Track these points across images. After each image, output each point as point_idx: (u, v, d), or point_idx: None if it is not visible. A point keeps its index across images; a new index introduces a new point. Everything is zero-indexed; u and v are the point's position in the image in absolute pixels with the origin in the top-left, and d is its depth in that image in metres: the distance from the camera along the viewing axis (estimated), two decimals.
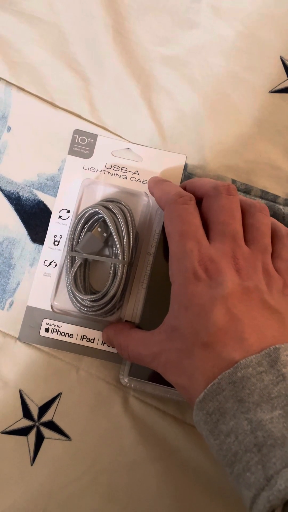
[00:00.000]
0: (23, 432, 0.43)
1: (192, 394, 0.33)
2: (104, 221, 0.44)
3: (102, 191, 0.46)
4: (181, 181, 0.46)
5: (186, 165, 0.47)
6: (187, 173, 0.46)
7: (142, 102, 0.48)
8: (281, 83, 0.48)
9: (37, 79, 0.48)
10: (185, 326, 0.35)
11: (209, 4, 0.49)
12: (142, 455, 0.43)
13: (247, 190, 0.46)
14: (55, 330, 0.45)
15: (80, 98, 0.48)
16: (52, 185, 0.47)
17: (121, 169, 0.47)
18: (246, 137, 0.47)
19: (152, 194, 0.43)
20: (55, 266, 0.46)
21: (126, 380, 0.43)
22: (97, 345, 0.45)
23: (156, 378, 0.42)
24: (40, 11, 0.49)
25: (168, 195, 0.39)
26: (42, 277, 0.46)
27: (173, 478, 0.42)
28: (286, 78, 0.48)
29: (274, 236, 0.39)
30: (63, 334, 0.45)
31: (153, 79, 0.48)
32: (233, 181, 0.46)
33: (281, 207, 0.45)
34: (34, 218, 0.47)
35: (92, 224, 0.45)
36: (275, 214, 0.45)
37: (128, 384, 0.43)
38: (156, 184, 0.43)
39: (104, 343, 0.45)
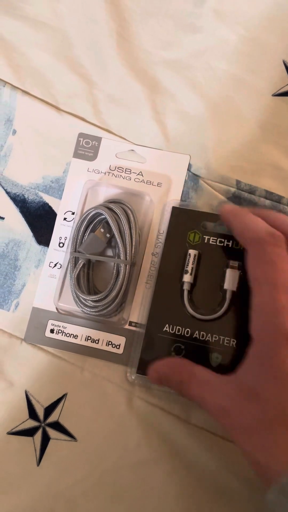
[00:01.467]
0: (29, 432, 0.44)
1: (269, 471, 0.30)
2: (107, 222, 0.44)
3: (105, 192, 0.46)
4: (185, 182, 0.46)
5: (190, 165, 0.47)
6: (191, 174, 0.47)
7: (145, 105, 0.48)
8: (283, 87, 0.48)
9: (42, 83, 0.49)
10: (269, 397, 0.31)
11: (211, 9, 0.49)
12: (147, 455, 0.43)
13: (251, 190, 0.46)
14: (60, 331, 0.45)
15: (84, 101, 0.49)
16: (57, 188, 0.48)
17: (125, 171, 0.47)
18: (249, 139, 0.48)
19: (228, 224, 0.39)
20: (60, 267, 0.46)
21: (133, 377, 0.43)
22: (102, 346, 0.45)
23: None
24: (44, 15, 0.50)
25: (256, 233, 0.36)
26: (48, 278, 0.46)
27: (178, 478, 0.42)
28: None
29: None
30: (68, 335, 0.45)
31: (156, 82, 0.49)
32: (238, 182, 0.46)
33: (285, 208, 0.46)
34: (40, 220, 0.47)
35: (95, 225, 0.45)
36: None
37: (135, 381, 0.43)
38: (237, 216, 0.38)
39: (109, 344, 0.45)
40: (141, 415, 0.43)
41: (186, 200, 0.47)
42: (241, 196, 0.46)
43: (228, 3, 0.49)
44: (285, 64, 0.48)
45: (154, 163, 0.47)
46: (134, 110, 0.48)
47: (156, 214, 0.46)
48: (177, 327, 0.43)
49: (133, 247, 0.44)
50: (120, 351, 0.45)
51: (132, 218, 0.44)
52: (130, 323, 0.45)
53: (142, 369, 0.42)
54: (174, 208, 0.45)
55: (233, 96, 0.48)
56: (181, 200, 0.46)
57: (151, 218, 0.46)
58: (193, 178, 0.47)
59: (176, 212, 0.45)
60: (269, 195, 0.46)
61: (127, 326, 0.45)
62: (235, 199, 0.46)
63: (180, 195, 0.47)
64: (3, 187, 0.48)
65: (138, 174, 0.47)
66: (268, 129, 0.48)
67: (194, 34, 0.49)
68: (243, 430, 0.32)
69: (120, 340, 0.45)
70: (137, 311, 0.45)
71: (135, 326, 0.45)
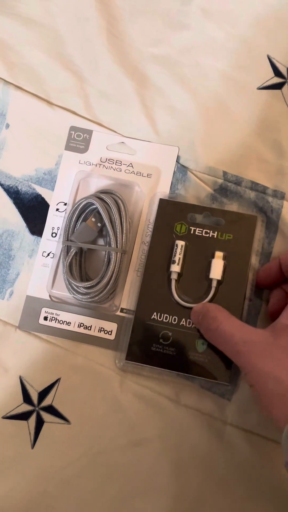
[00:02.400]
0: (23, 416, 0.45)
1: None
2: (98, 212, 0.46)
3: (96, 183, 0.48)
4: (174, 173, 0.48)
5: (178, 157, 0.48)
6: (180, 165, 0.48)
7: (135, 99, 0.50)
8: (268, 80, 0.50)
9: (34, 79, 0.50)
10: None
11: (198, 7, 0.51)
12: (138, 436, 0.44)
13: (237, 181, 0.48)
14: (53, 318, 0.47)
15: (76, 96, 0.50)
16: (50, 179, 0.49)
17: (116, 162, 0.49)
18: (235, 132, 0.49)
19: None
20: (53, 256, 0.48)
21: (122, 364, 0.45)
22: (94, 332, 0.46)
23: (151, 360, 0.43)
24: (36, 14, 0.51)
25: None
26: (41, 267, 0.48)
27: (169, 457, 0.43)
28: (273, 75, 0.50)
29: None
30: (61, 322, 0.47)
31: (146, 78, 0.50)
32: (225, 173, 0.48)
33: (270, 199, 0.47)
34: (33, 211, 0.49)
35: (87, 215, 0.47)
36: (263, 207, 0.47)
37: (124, 368, 0.45)
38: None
39: (101, 330, 0.46)
40: (133, 398, 0.45)
41: (175, 192, 0.48)
42: (228, 187, 0.47)
43: (215, 2, 0.51)
44: (269, 59, 0.50)
45: (144, 155, 0.49)
46: (124, 104, 0.50)
47: (146, 204, 0.48)
48: (165, 315, 0.44)
49: (124, 236, 0.45)
50: (112, 337, 0.46)
51: (122, 208, 0.45)
52: (122, 310, 0.46)
53: (130, 355, 0.44)
54: (161, 200, 0.47)
55: (220, 91, 0.50)
56: (170, 190, 0.48)
57: (141, 207, 0.48)
58: (181, 170, 0.48)
59: (164, 204, 0.47)
60: (254, 186, 0.48)
61: (118, 313, 0.46)
62: (222, 190, 0.48)
63: (169, 186, 0.48)
64: None
65: (128, 165, 0.49)
66: (254, 122, 0.49)
67: (182, 31, 0.51)
68: (266, 354, 0.36)
69: (112, 326, 0.46)
70: (128, 298, 0.46)
71: (125, 313, 0.46)
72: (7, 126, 0.50)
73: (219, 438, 0.43)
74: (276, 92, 0.49)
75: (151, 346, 0.43)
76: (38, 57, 0.51)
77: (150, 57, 0.51)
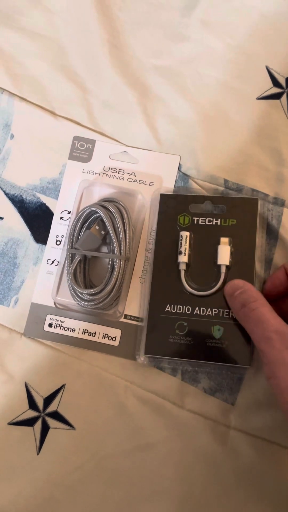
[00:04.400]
0: (29, 422, 0.45)
1: None
2: (102, 220, 0.46)
3: (99, 192, 0.49)
4: (176, 181, 0.49)
5: (180, 165, 0.49)
6: (181, 173, 0.49)
7: (137, 109, 0.51)
8: (267, 90, 0.51)
9: (38, 90, 0.51)
10: None
11: (198, 19, 0.52)
12: (143, 440, 0.44)
13: (238, 189, 0.49)
14: (58, 325, 0.47)
15: (79, 106, 0.51)
16: (54, 188, 0.50)
17: (119, 171, 0.49)
18: (236, 141, 0.50)
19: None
20: (58, 264, 0.48)
21: (142, 358, 0.45)
22: (98, 338, 0.47)
23: (169, 352, 0.44)
24: (40, 26, 0.52)
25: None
26: (46, 275, 0.48)
27: (174, 461, 0.44)
28: (272, 85, 0.51)
29: None
30: (66, 328, 0.47)
31: (147, 88, 0.51)
32: (226, 181, 0.49)
33: (270, 206, 0.48)
34: (37, 219, 0.50)
35: (91, 223, 0.47)
36: (264, 214, 0.48)
37: (144, 362, 0.45)
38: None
39: (105, 337, 0.47)
40: (137, 403, 0.45)
41: (176, 186, 0.49)
42: (229, 194, 0.48)
43: (215, 14, 0.52)
44: (268, 70, 0.51)
45: (146, 163, 0.50)
46: (126, 114, 0.51)
47: (148, 212, 0.49)
48: (178, 306, 0.45)
49: (127, 243, 0.46)
50: (116, 343, 0.46)
51: (125, 216, 0.46)
52: (125, 316, 0.47)
53: (149, 349, 0.44)
54: (162, 195, 0.48)
55: (220, 101, 0.51)
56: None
57: (144, 215, 0.48)
58: (183, 178, 0.49)
59: (165, 199, 0.48)
60: (255, 193, 0.49)
61: (122, 319, 0.47)
62: None
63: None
64: (2, 189, 0.50)
65: (131, 174, 0.49)
66: (253, 131, 0.50)
67: (182, 42, 0.52)
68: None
69: (116, 332, 0.47)
70: (132, 305, 0.47)
71: (129, 319, 0.47)
72: (12, 136, 0.51)
73: (223, 442, 0.44)
74: (275, 102, 0.50)
75: (168, 338, 0.44)
76: (42, 69, 0.52)
77: (151, 68, 0.52)
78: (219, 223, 0.46)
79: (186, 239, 0.45)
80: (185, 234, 0.46)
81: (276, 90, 0.51)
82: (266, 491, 0.43)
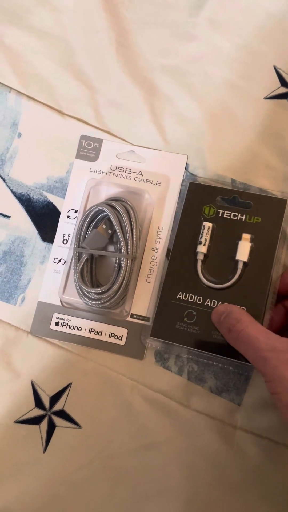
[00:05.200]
0: (35, 421, 0.45)
1: None
2: (109, 219, 0.46)
3: (106, 191, 0.49)
4: (183, 180, 0.49)
5: (187, 165, 0.49)
6: (189, 173, 0.49)
7: (144, 108, 0.51)
8: (274, 90, 0.51)
9: (46, 88, 0.51)
10: None
11: (206, 18, 0.52)
12: (149, 440, 0.44)
13: (245, 188, 0.48)
14: (64, 324, 0.47)
15: (86, 105, 0.51)
16: (61, 187, 0.50)
17: (126, 170, 0.49)
18: (243, 140, 0.50)
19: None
20: (64, 263, 0.48)
21: (147, 341, 0.45)
22: (105, 337, 0.47)
23: (175, 337, 0.44)
24: (48, 25, 0.52)
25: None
26: (52, 273, 0.48)
27: (179, 461, 0.44)
28: (279, 85, 0.51)
29: None
30: (72, 327, 0.47)
31: (154, 88, 0.51)
32: (233, 180, 0.49)
33: None
34: (44, 218, 0.50)
35: (98, 222, 0.47)
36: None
37: (149, 345, 0.45)
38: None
39: (111, 336, 0.47)
40: (143, 402, 0.45)
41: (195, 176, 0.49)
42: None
43: (222, 13, 0.52)
44: (276, 70, 0.51)
45: (153, 163, 0.50)
46: (133, 113, 0.51)
47: (155, 210, 0.49)
48: (190, 294, 0.45)
49: (134, 242, 0.46)
50: (122, 342, 0.47)
51: (132, 215, 0.46)
52: (132, 315, 0.47)
53: (155, 332, 0.45)
54: (191, 184, 0.48)
55: (228, 100, 0.51)
56: (179, 198, 0.49)
57: (150, 214, 0.48)
58: (190, 177, 0.49)
59: (193, 187, 0.48)
60: (262, 193, 0.48)
61: (128, 318, 0.47)
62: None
63: (178, 193, 0.49)
64: (9, 187, 0.50)
65: (138, 173, 0.49)
66: (260, 130, 0.50)
67: (190, 42, 0.52)
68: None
69: (122, 331, 0.47)
70: (139, 304, 0.47)
71: (135, 318, 0.47)
72: (19, 135, 0.51)
73: (229, 442, 0.44)
74: (283, 102, 0.50)
75: (176, 324, 0.44)
76: (50, 68, 0.52)
77: (159, 67, 0.52)
78: (243, 219, 0.46)
79: (208, 230, 0.45)
80: (208, 225, 0.46)
81: (284, 90, 0.50)
82: (272, 491, 0.43)
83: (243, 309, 0.43)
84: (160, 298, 0.45)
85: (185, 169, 0.49)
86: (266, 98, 0.51)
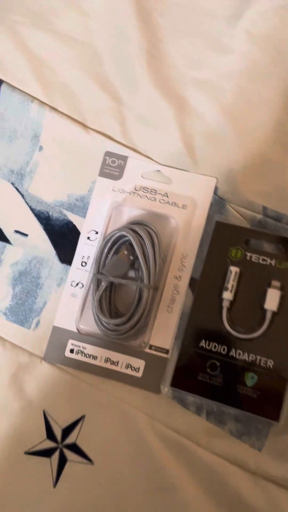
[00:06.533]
0: (46, 453, 0.44)
1: None
2: (131, 244, 0.44)
3: (129, 212, 0.46)
4: (211, 205, 0.46)
5: (216, 188, 0.46)
6: (217, 197, 0.46)
7: (173, 125, 0.48)
8: None
9: (70, 98, 0.49)
10: None
11: (243, 29, 0.49)
12: (165, 480, 0.42)
13: (278, 217, 0.46)
14: (79, 352, 0.45)
15: (112, 119, 0.48)
16: (82, 206, 0.47)
17: (150, 191, 0.47)
18: (277, 164, 0.47)
19: None
20: (82, 287, 0.46)
21: (166, 389, 0.43)
22: (121, 368, 0.45)
23: (196, 389, 0.42)
24: (75, 30, 0.49)
25: None
26: (69, 297, 0.46)
27: (197, 505, 0.42)
28: None
29: None
30: (87, 355, 0.45)
31: (185, 102, 0.48)
32: (264, 208, 0.46)
33: None
34: (63, 238, 0.47)
35: (119, 247, 0.45)
36: None
37: (168, 394, 0.43)
38: None
39: (128, 367, 0.44)
40: (160, 440, 0.43)
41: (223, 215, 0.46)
42: (267, 223, 0.45)
43: (261, 25, 0.48)
44: None
45: (180, 184, 0.47)
46: (161, 130, 0.48)
47: (180, 236, 0.46)
48: (214, 343, 0.43)
49: (157, 271, 0.44)
50: (139, 374, 0.44)
51: (156, 241, 0.44)
52: (150, 347, 0.45)
53: (175, 382, 0.42)
54: (217, 223, 0.45)
55: (263, 119, 0.48)
56: (206, 223, 0.46)
57: (175, 240, 0.46)
58: (219, 202, 0.46)
59: (219, 227, 0.45)
60: None
61: (147, 350, 0.45)
62: (260, 226, 0.46)
63: (205, 218, 0.46)
64: (27, 204, 0.48)
65: (163, 195, 0.47)
66: None
67: (225, 54, 0.49)
68: None
69: (140, 363, 0.45)
70: (158, 335, 0.44)
71: (154, 350, 0.44)
72: (40, 148, 0.48)
73: (249, 489, 0.42)
74: None
75: (198, 375, 0.42)
76: (75, 76, 0.49)
77: (191, 80, 0.49)
78: (273, 264, 0.43)
79: (235, 275, 0.43)
80: (235, 270, 0.43)
81: None
82: None
83: (271, 362, 0.41)
84: (181, 345, 0.43)
85: (214, 192, 0.46)
86: None
